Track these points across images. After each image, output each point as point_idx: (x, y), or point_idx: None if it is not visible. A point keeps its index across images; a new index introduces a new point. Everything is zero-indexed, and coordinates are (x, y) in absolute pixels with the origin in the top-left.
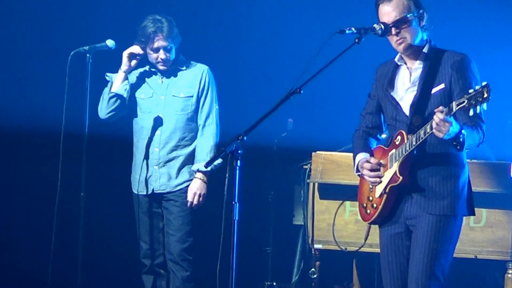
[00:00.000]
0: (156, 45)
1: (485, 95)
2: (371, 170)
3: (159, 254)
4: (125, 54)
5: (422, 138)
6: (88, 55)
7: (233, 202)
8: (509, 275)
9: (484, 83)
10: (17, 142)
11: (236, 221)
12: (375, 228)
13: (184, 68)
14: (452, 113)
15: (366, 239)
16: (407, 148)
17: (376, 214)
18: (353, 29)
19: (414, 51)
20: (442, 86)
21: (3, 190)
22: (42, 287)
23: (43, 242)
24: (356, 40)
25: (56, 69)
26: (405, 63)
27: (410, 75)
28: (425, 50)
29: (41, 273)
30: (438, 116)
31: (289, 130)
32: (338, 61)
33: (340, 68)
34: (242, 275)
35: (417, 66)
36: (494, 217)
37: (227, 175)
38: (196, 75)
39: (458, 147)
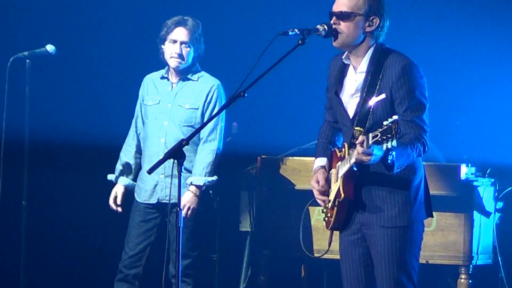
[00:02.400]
0: (174, 36)
1: (393, 132)
2: (320, 192)
3: (139, 265)
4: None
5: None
6: (27, 60)
7: (178, 209)
8: (462, 280)
9: (394, 117)
10: None
11: (181, 228)
12: (322, 234)
13: (195, 78)
14: (370, 144)
15: (329, 244)
16: (347, 165)
17: (331, 223)
18: (296, 30)
19: (356, 50)
20: (383, 96)
21: None
22: None
23: None
24: (300, 42)
25: None
26: (351, 62)
27: (356, 80)
28: (370, 52)
29: None
30: (357, 151)
31: (234, 134)
32: (283, 63)
33: (285, 70)
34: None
35: (361, 70)
36: (445, 220)
37: (170, 180)
38: (204, 88)
39: (388, 169)
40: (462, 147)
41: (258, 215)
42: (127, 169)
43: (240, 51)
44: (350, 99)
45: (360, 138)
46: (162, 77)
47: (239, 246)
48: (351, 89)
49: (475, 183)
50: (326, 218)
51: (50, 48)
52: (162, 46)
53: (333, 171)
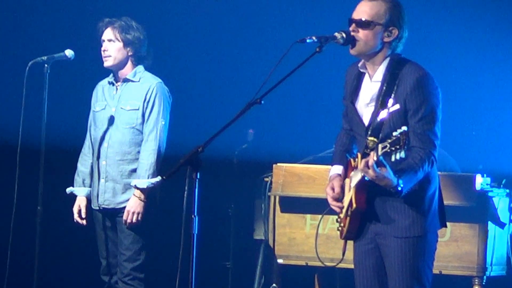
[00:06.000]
0: (103, 36)
1: (401, 143)
2: (334, 198)
3: (116, 271)
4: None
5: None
6: (46, 65)
7: (192, 216)
8: None
9: (403, 128)
10: None
11: (195, 235)
12: (335, 243)
13: (137, 79)
14: (379, 155)
15: (343, 253)
16: (359, 175)
17: (344, 233)
18: (313, 38)
19: (373, 59)
20: (397, 107)
21: None
22: None
23: None
24: (317, 49)
25: (13, 80)
26: (367, 71)
27: (371, 89)
28: (386, 62)
29: None
30: (363, 160)
31: (250, 141)
32: (299, 70)
33: (302, 78)
34: None
35: (376, 79)
36: (459, 231)
37: (186, 187)
38: (143, 88)
39: (397, 194)
40: (477, 157)
41: (272, 224)
42: (86, 179)
43: (257, 57)
44: (365, 108)
45: (371, 154)
46: (109, 82)
47: (253, 254)
48: (366, 98)
49: (490, 194)
50: (340, 228)
51: (69, 53)
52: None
53: (347, 180)
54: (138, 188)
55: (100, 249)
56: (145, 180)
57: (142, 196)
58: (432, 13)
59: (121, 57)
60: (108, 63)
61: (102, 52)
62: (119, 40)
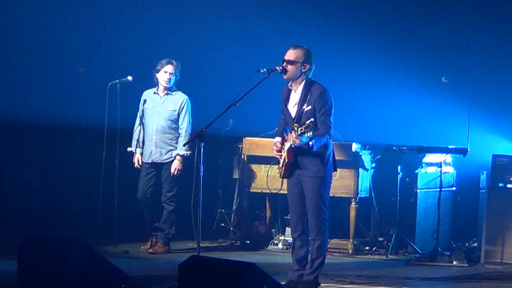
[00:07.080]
0: (166, 69)
1: (310, 128)
2: (277, 151)
3: (147, 196)
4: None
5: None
6: (118, 85)
7: (200, 166)
8: (352, 205)
9: (311, 120)
10: (85, 136)
11: (201, 176)
12: (277, 180)
13: (174, 94)
14: (298, 134)
15: (281, 185)
16: (289, 143)
17: (282, 174)
18: (265, 69)
19: (295, 81)
20: (310, 107)
21: (72, 162)
22: (91, 223)
23: (93, 191)
24: (267, 76)
25: (99, 94)
26: (293, 88)
27: (295, 98)
28: (303, 83)
29: (91, 213)
30: (291, 137)
31: (231, 126)
32: (257, 86)
33: (259, 90)
34: (204, 206)
35: (298, 92)
36: (344, 173)
37: (196, 151)
38: (179, 99)
39: (311, 149)
40: (354, 132)
41: (242, 169)
42: (139, 144)
43: (234, 80)
44: (292, 108)
45: (293, 132)
46: (154, 93)
47: (233, 185)
48: (293, 103)
49: (360, 153)
50: (280, 172)
51: (130, 78)
52: (157, 75)
53: (284, 145)
54: (179, 155)
55: (140, 185)
56: (183, 151)
57: (181, 160)
58: (328, 54)
59: (173, 83)
60: (167, 85)
61: (165, 79)
62: (174, 74)
